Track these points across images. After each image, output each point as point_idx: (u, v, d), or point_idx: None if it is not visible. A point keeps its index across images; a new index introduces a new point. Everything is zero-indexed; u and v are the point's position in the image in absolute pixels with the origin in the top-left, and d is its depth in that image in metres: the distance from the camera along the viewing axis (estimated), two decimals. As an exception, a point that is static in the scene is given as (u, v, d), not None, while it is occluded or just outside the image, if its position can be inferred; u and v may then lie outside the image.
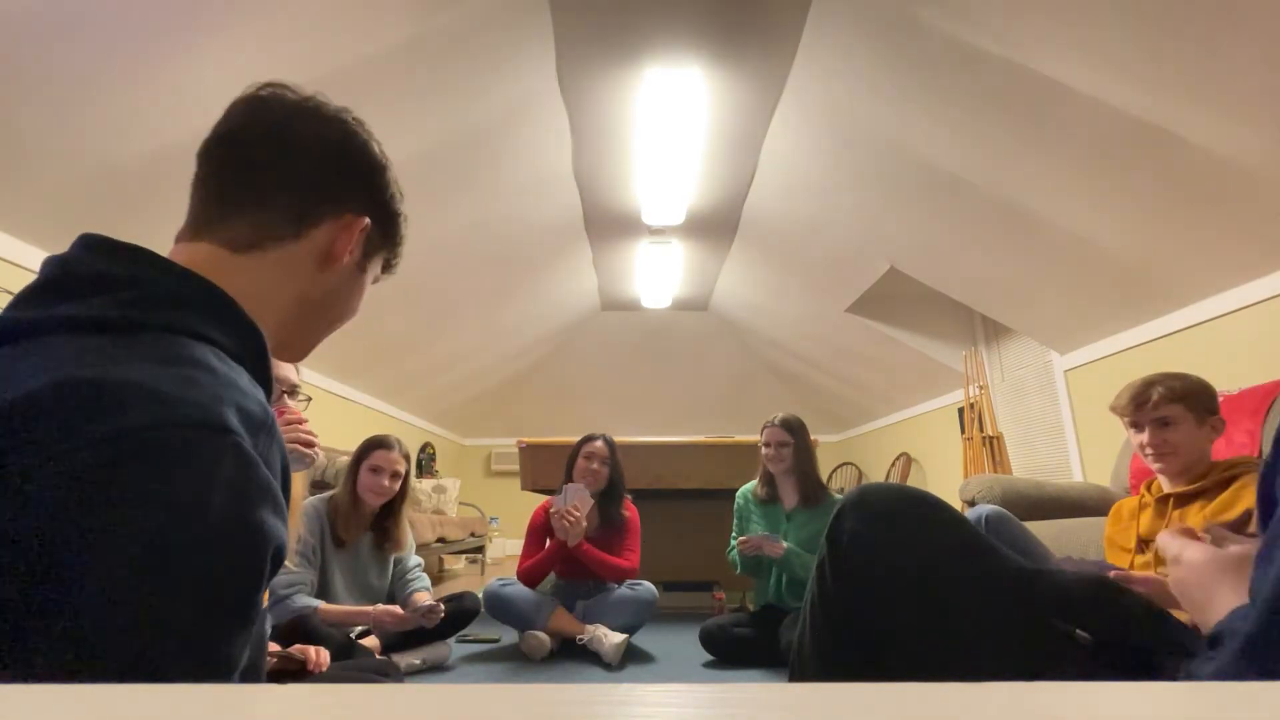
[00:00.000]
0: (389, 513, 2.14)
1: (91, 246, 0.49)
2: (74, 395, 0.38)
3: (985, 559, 0.87)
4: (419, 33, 2.29)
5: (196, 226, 0.57)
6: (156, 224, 2.48)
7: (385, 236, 0.67)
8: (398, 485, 2.11)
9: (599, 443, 2.61)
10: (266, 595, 0.52)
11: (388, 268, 0.71)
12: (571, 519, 2.41)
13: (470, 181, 3.30)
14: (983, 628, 0.82)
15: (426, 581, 2.27)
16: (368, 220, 0.62)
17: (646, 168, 3.60)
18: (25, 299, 0.46)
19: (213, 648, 0.39)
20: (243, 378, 0.47)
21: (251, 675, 0.50)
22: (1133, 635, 0.78)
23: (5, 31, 1.64)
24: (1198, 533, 0.75)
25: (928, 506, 0.91)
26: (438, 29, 2.33)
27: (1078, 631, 0.77)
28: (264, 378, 0.53)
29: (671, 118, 3.11)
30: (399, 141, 2.76)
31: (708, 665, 2.24)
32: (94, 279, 0.47)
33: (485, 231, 3.85)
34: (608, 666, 2.19)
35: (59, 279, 0.47)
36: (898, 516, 0.89)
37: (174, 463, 0.38)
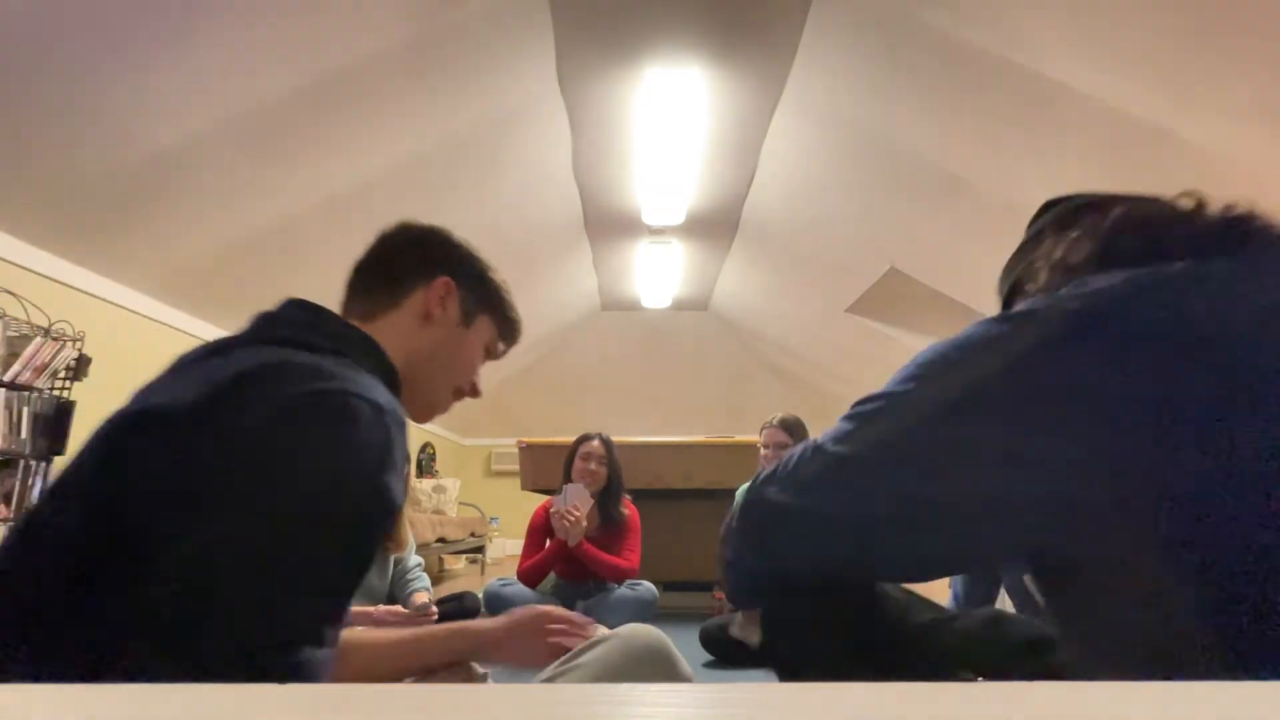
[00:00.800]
0: None
1: (288, 304, 0.70)
2: (275, 369, 0.56)
3: (890, 640, 0.74)
4: (419, 33, 2.29)
5: (345, 309, 0.79)
6: (157, 224, 2.49)
7: (480, 298, 0.82)
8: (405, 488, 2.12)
9: (595, 442, 2.61)
10: None
11: (506, 337, 0.86)
12: (571, 519, 2.41)
13: (470, 181, 3.30)
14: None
15: (426, 581, 2.27)
16: (449, 279, 0.78)
17: (646, 168, 3.60)
18: (246, 331, 0.66)
19: (335, 571, 0.52)
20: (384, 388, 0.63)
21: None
22: (1017, 668, 0.76)
23: (5, 32, 1.64)
24: None
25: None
26: (438, 29, 2.33)
27: (976, 677, 0.74)
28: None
29: (671, 118, 3.11)
30: (399, 141, 2.76)
31: (708, 665, 2.24)
32: (288, 320, 0.67)
33: (485, 231, 3.83)
34: None
35: (265, 320, 0.67)
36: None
37: (347, 419, 0.53)
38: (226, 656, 0.44)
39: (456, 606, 2.24)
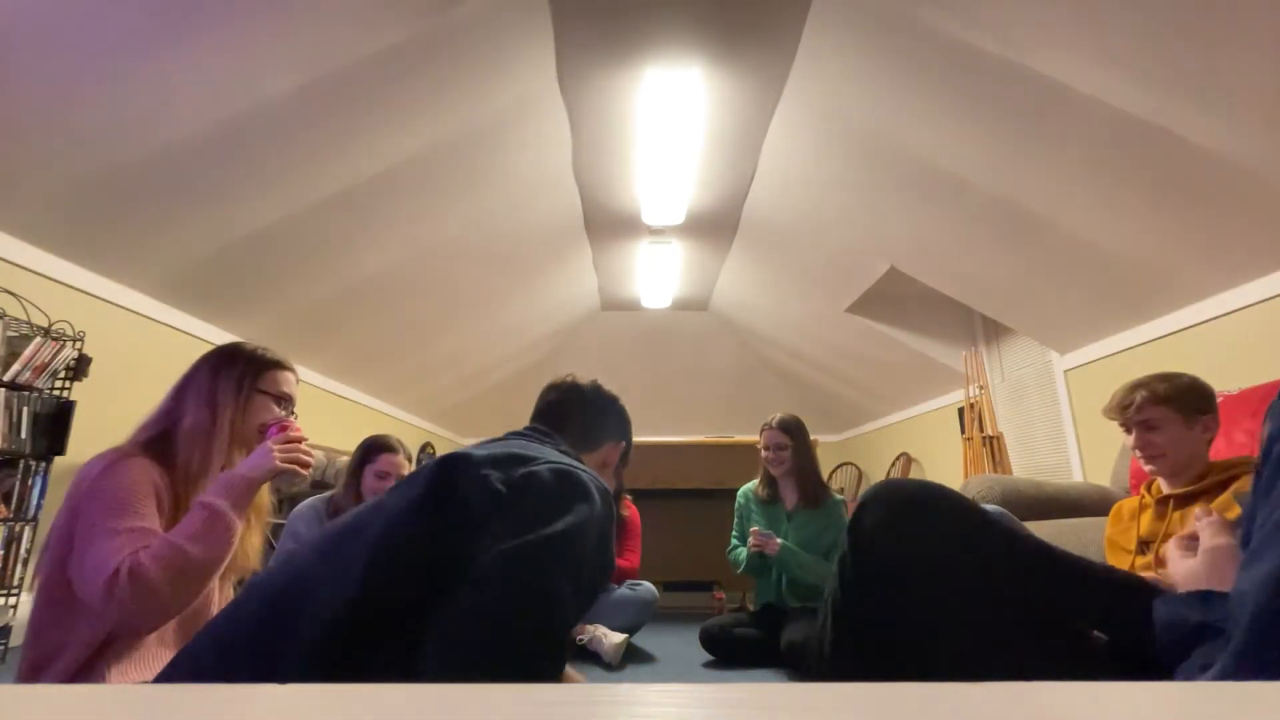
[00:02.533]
0: None
1: (533, 428, 1.14)
2: (540, 453, 0.89)
3: (1007, 550, 0.88)
4: (419, 33, 2.29)
5: (548, 436, 1.12)
6: (157, 224, 2.49)
7: (627, 452, 1.28)
8: None
9: None
10: None
11: (623, 459, 1.29)
12: None
13: (470, 181, 3.30)
14: (1000, 620, 0.82)
15: None
16: (624, 444, 1.25)
17: (646, 168, 3.60)
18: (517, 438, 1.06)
19: (573, 614, 0.76)
20: None
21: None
22: (1145, 638, 0.78)
23: (5, 32, 1.64)
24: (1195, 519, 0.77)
25: (948, 499, 0.92)
26: (438, 29, 2.33)
27: (1095, 633, 0.76)
28: None
29: (671, 118, 3.11)
30: (399, 141, 2.76)
31: (708, 665, 2.24)
32: (541, 434, 1.10)
33: (485, 231, 3.85)
34: (608, 666, 2.20)
35: (518, 434, 1.08)
36: (919, 510, 0.91)
37: (585, 492, 0.81)
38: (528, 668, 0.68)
39: None
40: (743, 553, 2.39)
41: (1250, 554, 0.52)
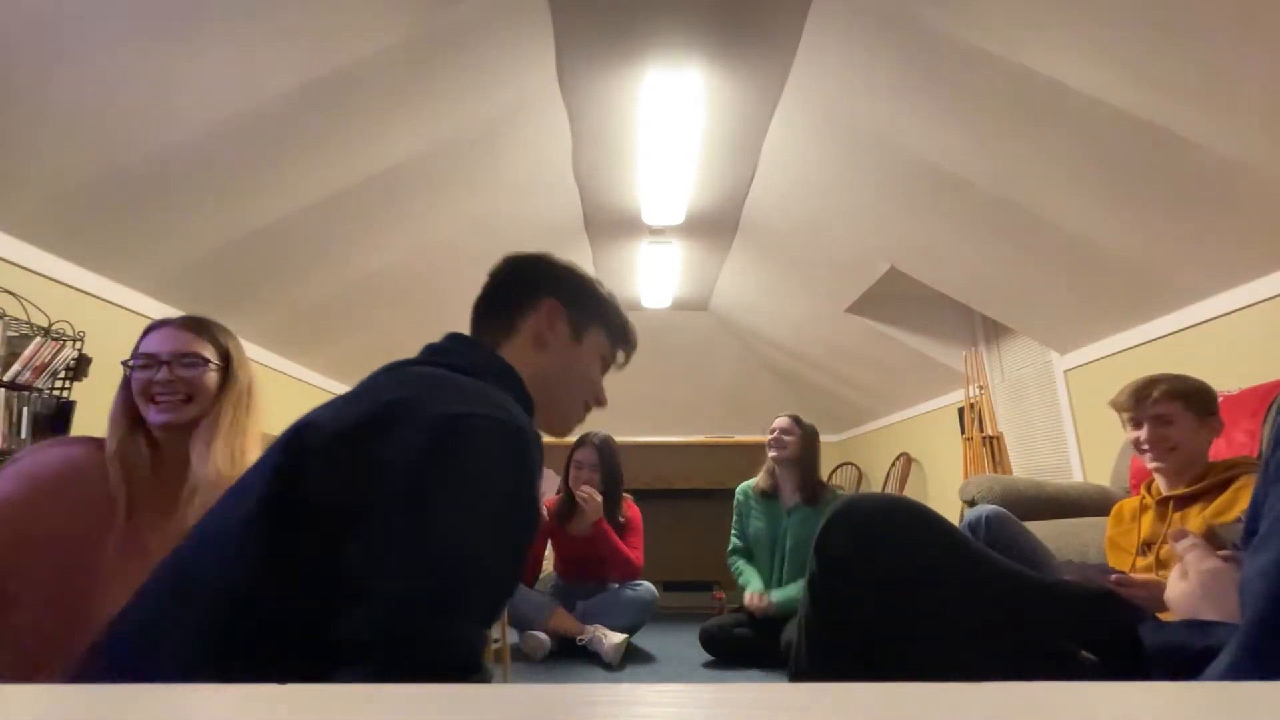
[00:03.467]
0: None
1: (450, 337, 0.83)
2: (428, 391, 0.65)
3: (978, 568, 0.84)
4: (419, 33, 2.29)
5: (476, 332, 0.88)
6: (157, 224, 2.49)
7: (587, 313, 0.90)
8: None
9: (586, 450, 2.60)
10: None
11: (622, 344, 0.95)
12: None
13: (470, 181, 3.29)
14: (977, 640, 0.80)
15: None
16: (554, 301, 0.86)
17: (646, 168, 3.60)
18: (414, 360, 0.77)
19: (496, 580, 0.60)
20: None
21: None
22: (1135, 653, 0.77)
23: (5, 32, 1.64)
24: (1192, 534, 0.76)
25: (917, 517, 0.88)
26: (438, 29, 2.33)
27: (1084, 653, 0.75)
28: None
29: (671, 118, 3.11)
30: (399, 141, 2.76)
31: (708, 665, 2.24)
32: (444, 350, 0.80)
33: (485, 231, 3.85)
34: (608, 666, 2.20)
35: (426, 352, 0.79)
36: (887, 528, 0.87)
37: (492, 440, 0.60)
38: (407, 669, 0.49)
39: None
40: (745, 579, 2.40)
41: (1260, 540, 0.52)
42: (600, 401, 0.92)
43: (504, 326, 0.85)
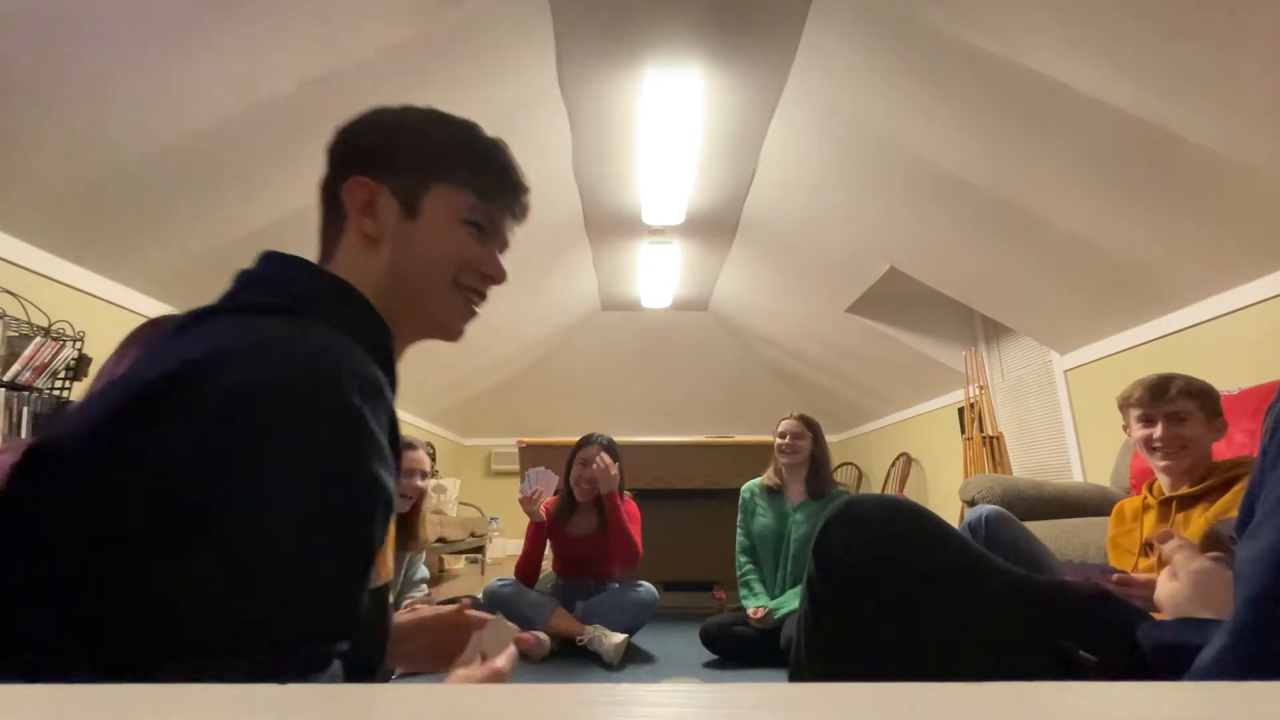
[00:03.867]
0: (413, 511, 2.13)
1: (264, 258, 0.61)
2: (225, 356, 0.47)
3: (976, 569, 0.84)
4: (419, 33, 2.29)
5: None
6: (157, 223, 2.49)
7: (411, 168, 0.65)
8: (428, 484, 2.11)
9: (591, 449, 2.60)
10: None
11: (488, 193, 0.67)
12: (535, 501, 2.50)
13: (470, 181, 3.29)
14: (976, 641, 0.80)
15: (423, 589, 2.26)
16: (361, 177, 0.63)
17: (646, 168, 3.60)
18: (223, 296, 0.59)
19: (325, 579, 0.45)
20: (359, 353, 0.52)
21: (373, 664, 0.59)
22: (1132, 654, 0.77)
23: (5, 32, 1.64)
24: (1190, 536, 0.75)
25: (915, 517, 0.87)
26: (437, 29, 2.33)
27: (1081, 653, 0.75)
28: (385, 360, 0.59)
29: (671, 118, 3.11)
30: (399, 141, 2.76)
31: (708, 665, 2.24)
32: (260, 278, 0.59)
33: (485, 231, 3.85)
34: (608, 666, 2.20)
35: (239, 282, 0.59)
36: (885, 529, 0.86)
37: (295, 412, 0.46)
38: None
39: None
40: (748, 595, 2.41)
41: (1254, 526, 0.52)
42: (494, 276, 0.68)
43: (333, 229, 0.65)
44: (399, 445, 0.55)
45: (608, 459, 2.48)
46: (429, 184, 0.65)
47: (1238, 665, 0.49)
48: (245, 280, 0.59)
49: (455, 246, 0.65)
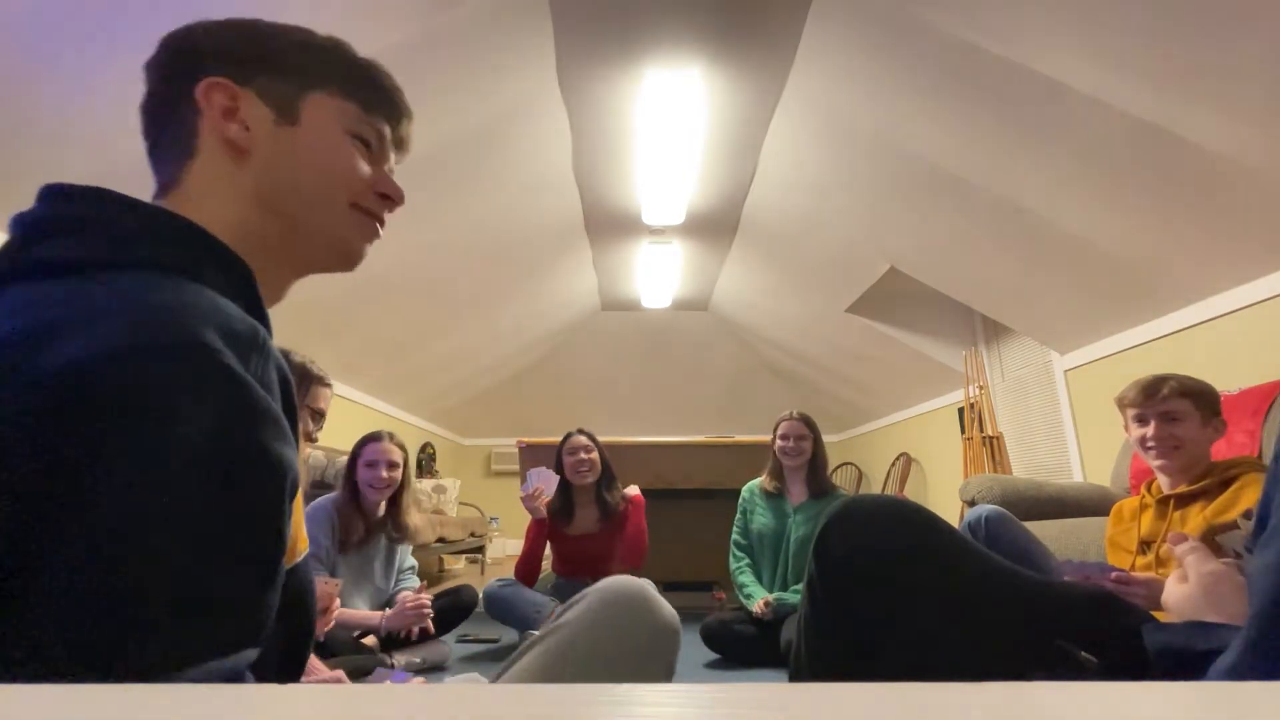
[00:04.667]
0: (394, 503, 2.14)
1: (54, 195, 0.47)
2: (48, 331, 0.37)
3: (975, 569, 0.84)
4: (418, 33, 2.29)
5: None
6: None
7: (285, 68, 0.55)
8: (397, 475, 2.10)
9: (579, 436, 2.63)
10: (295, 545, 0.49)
11: (373, 103, 0.59)
12: (536, 498, 2.50)
13: (470, 181, 3.30)
14: (975, 641, 0.80)
15: (414, 583, 2.26)
16: (220, 80, 0.52)
17: (646, 168, 3.60)
18: None
19: (206, 586, 0.36)
20: (222, 300, 0.43)
21: (295, 661, 0.49)
22: (1132, 656, 0.77)
23: (5, 31, 1.64)
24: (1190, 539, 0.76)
25: (914, 518, 0.87)
26: (437, 29, 2.33)
27: (1083, 654, 0.75)
28: (251, 301, 0.49)
29: (671, 118, 3.11)
30: (399, 141, 2.76)
31: (709, 665, 2.24)
32: (60, 224, 0.45)
33: (486, 231, 3.85)
34: None
35: (25, 232, 0.45)
36: (884, 530, 0.85)
37: (152, 388, 0.36)
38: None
39: (453, 600, 2.23)
40: (748, 593, 2.40)
41: (1269, 534, 0.51)
42: (394, 197, 0.60)
43: (177, 149, 0.52)
44: (295, 407, 0.46)
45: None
46: (305, 90, 0.55)
47: (1253, 674, 0.49)
48: (34, 227, 0.45)
49: (346, 160, 0.56)
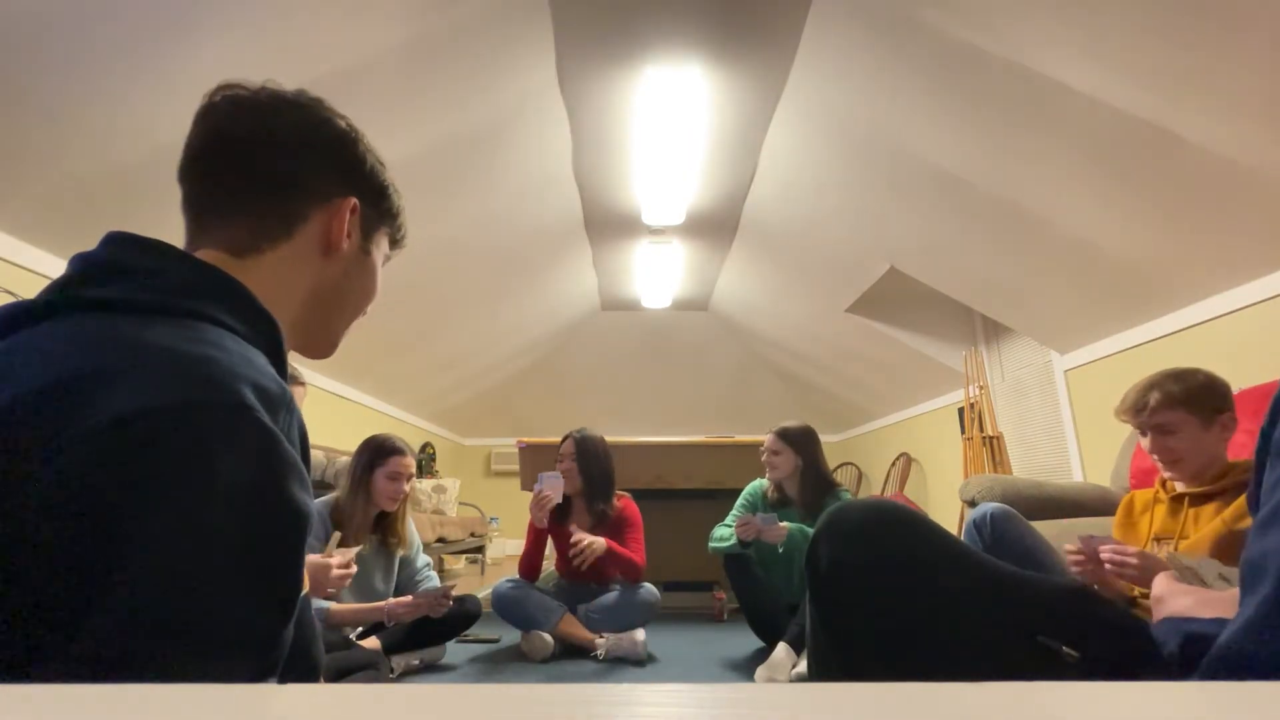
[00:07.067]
0: (394, 512, 2.15)
1: (115, 241, 0.51)
2: (97, 378, 0.40)
3: (956, 564, 0.84)
4: (419, 33, 2.29)
5: (194, 239, 0.58)
6: (155, 223, 2.48)
7: (380, 211, 0.66)
8: (410, 487, 2.14)
9: (565, 443, 2.63)
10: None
11: (395, 244, 0.71)
12: (543, 501, 2.48)
13: (470, 181, 3.30)
14: (966, 640, 0.80)
15: (436, 580, 2.28)
16: (355, 200, 0.62)
17: (646, 168, 3.60)
18: (53, 287, 0.48)
19: (243, 624, 0.40)
20: (258, 358, 0.48)
21: (307, 667, 0.56)
22: (1111, 648, 0.77)
23: (4, 32, 1.64)
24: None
25: (895, 521, 0.87)
26: (437, 29, 2.33)
27: (1064, 649, 0.75)
28: (279, 365, 0.54)
29: (671, 118, 3.11)
30: (399, 142, 2.76)
31: (709, 665, 2.24)
32: (117, 268, 0.49)
33: (485, 231, 3.85)
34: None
35: (84, 270, 0.49)
36: (866, 538, 0.86)
37: (197, 442, 0.39)
38: None
39: (458, 609, 2.23)
40: (728, 533, 2.34)
41: (1264, 518, 0.50)
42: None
43: (268, 227, 0.57)
44: (309, 455, 0.52)
45: (585, 539, 2.43)
46: (381, 228, 0.67)
47: (1257, 650, 0.49)
48: (95, 267, 0.49)
49: (376, 289, 0.69)
